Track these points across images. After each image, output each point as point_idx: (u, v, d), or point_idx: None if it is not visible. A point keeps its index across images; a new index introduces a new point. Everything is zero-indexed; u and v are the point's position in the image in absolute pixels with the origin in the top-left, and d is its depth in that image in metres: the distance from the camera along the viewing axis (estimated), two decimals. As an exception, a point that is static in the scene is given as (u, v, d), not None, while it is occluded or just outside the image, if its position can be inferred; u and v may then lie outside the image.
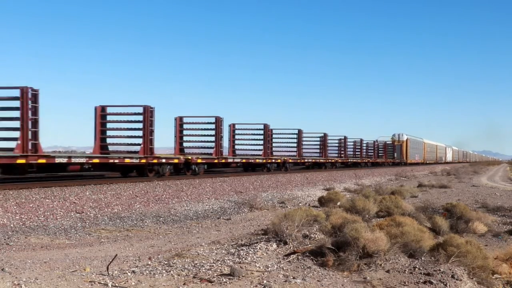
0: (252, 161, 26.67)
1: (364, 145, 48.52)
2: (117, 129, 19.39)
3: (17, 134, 13.80)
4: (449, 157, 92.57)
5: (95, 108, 19.12)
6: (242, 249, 6.46)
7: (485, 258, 5.87)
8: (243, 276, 5.23)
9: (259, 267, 5.67)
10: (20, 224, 9.36)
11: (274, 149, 33.67)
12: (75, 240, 8.52)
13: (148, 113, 18.23)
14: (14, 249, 7.51)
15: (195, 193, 15.15)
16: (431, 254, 6.05)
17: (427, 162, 71.02)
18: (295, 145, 33.61)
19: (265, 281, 5.13)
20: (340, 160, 41.10)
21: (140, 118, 18.45)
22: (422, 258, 5.96)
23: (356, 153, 47.11)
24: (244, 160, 25.93)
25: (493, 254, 6.46)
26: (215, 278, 5.19)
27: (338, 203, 12.13)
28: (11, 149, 13.83)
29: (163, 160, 19.02)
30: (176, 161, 19.79)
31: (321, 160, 36.92)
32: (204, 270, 5.47)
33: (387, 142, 56.95)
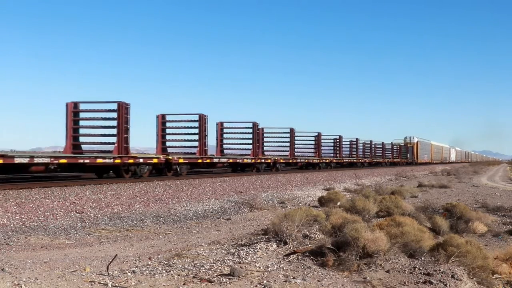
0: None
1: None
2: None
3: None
4: (452, 157, 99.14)
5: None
6: (242, 249, 6.46)
7: (485, 258, 5.87)
8: (243, 276, 5.23)
9: (259, 267, 5.67)
10: (20, 224, 9.36)
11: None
12: (75, 240, 8.52)
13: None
14: (14, 249, 7.51)
15: (195, 193, 15.15)
16: (431, 254, 6.05)
17: (434, 162, 76.33)
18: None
19: (265, 281, 5.13)
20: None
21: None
22: (422, 258, 5.96)
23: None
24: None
25: (493, 254, 6.46)
26: (215, 278, 5.19)
27: (338, 203, 12.14)
28: None
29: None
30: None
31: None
32: (204, 270, 5.47)
33: (401, 144, 62.94)
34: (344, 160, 43.01)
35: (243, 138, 27.97)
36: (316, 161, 36.52)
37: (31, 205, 10.82)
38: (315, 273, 5.52)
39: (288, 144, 32.75)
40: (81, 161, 15.63)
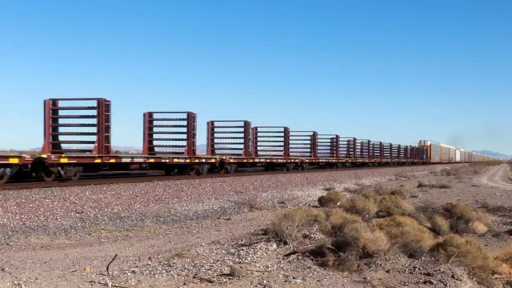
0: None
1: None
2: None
3: None
4: (458, 158, 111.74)
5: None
6: (242, 249, 6.47)
7: (485, 258, 5.87)
8: (243, 276, 5.23)
9: (259, 267, 5.67)
10: (20, 224, 9.36)
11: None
12: (75, 240, 8.52)
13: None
14: (14, 249, 7.51)
15: (195, 193, 15.15)
16: (431, 254, 6.05)
17: (443, 161, 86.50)
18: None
19: (265, 281, 5.13)
20: (350, 160, 42.04)
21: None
22: (422, 258, 5.96)
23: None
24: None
25: (493, 254, 6.46)
26: (215, 278, 5.19)
27: (338, 203, 12.14)
28: None
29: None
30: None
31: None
32: (204, 270, 5.47)
33: (417, 147, 75.23)
34: (358, 161, 44.74)
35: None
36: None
37: (31, 205, 10.82)
38: (315, 273, 5.52)
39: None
40: (164, 160, 17.65)
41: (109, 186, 14.66)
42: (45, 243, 8.11)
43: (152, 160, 18.87)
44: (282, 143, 32.05)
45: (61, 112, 17.85)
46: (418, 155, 72.02)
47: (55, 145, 17.46)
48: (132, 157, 18.30)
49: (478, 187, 22.82)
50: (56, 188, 13.34)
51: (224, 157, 23.61)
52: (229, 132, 27.51)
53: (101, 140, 16.56)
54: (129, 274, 5.33)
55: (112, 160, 16.77)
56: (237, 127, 27.36)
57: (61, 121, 17.86)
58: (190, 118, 21.32)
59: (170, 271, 5.46)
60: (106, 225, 9.98)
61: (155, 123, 22.18)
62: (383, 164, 52.14)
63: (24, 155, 14.23)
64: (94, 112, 16.90)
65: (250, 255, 6.11)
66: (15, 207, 10.47)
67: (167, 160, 19.53)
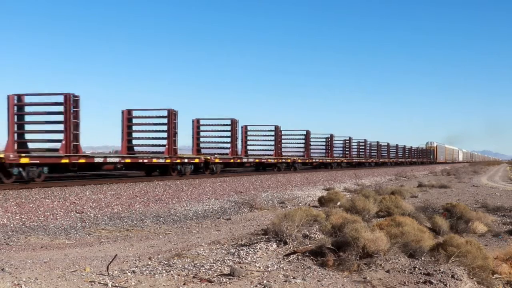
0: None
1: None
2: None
3: None
4: (460, 158, 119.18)
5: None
6: (242, 249, 6.47)
7: (485, 258, 5.87)
8: (243, 276, 5.23)
9: (259, 267, 5.67)
10: (20, 224, 9.36)
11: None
12: (75, 240, 8.52)
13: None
14: (14, 249, 7.51)
15: (195, 193, 15.15)
16: (431, 254, 6.05)
17: (448, 161, 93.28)
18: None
19: (265, 281, 5.13)
20: (363, 160, 42.46)
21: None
22: (422, 258, 5.96)
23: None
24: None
25: (493, 254, 6.46)
26: (215, 278, 5.20)
27: (338, 203, 12.14)
28: None
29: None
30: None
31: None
32: (204, 270, 5.47)
33: (424, 148, 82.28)
34: (354, 160, 44.84)
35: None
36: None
37: (31, 205, 10.82)
38: (315, 273, 5.52)
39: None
40: (141, 160, 16.47)
41: (109, 186, 14.66)
42: (45, 243, 8.11)
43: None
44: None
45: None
46: (426, 156, 79.68)
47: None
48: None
49: (478, 187, 22.82)
50: (56, 188, 13.34)
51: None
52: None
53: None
54: (129, 274, 5.34)
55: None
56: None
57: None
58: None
59: (170, 271, 5.46)
60: (106, 225, 9.98)
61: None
62: (380, 164, 52.65)
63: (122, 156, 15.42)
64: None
65: (250, 255, 6.11)
66: (15, 207, 10.47)
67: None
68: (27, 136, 16.51)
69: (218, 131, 26.12)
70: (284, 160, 30.97)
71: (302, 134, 35.99)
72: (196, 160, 21.21)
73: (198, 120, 25.83)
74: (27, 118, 16.40)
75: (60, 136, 15.51)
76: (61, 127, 15.50)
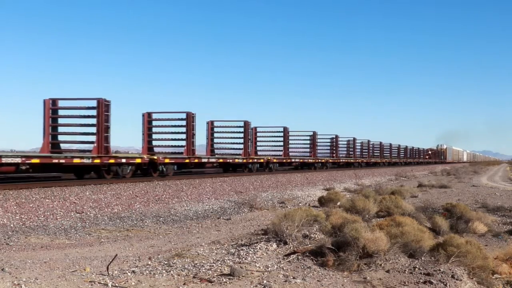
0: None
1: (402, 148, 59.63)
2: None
3: None
4: (464, 158, 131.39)
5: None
6: (242, 249, 6.47)
7: (485, 258, 5.87)
8: (243, 276, 5.23)
9: (259, 267, 5.67)
10: (20, 224, 9.36)
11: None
12: (75, 240, 8.52)
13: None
14: (14, 249, 7.51)
15: (195, 193, 15.15)
16: (431, 254, 6.05)
17: (454, 161, 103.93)
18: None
19: (265, 281, 5.13)
20: (373, 160, 43.00)
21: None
22: (422, 258, 5.96)
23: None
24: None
25: (493, 254, 6.46)
26: (215, 278, 5.20)
27: (338, 203, 12.14)
28: None
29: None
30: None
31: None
32: (204, 270, 5.47)
33: (436, 149, 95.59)
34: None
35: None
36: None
37: (31, 205, 10.82)
38: (315, 273, 5.52)
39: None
40: (56, 161, 14.57)
41: (109, 186, 14.65)
42: (45, 243, 8.11)
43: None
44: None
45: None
46: (438, 156, 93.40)
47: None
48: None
49: (478, 187, 22.81)
50: (56, 188, 13.33)
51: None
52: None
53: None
54: (129, 274, 5.33)
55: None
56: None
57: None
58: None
59: (170, 271, 5.46)
60: (106, 225, 9.98)
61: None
62: (381, 165, 53.49)
63: (144, 156, 18.51)
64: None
65: (250, 255, 6.11)
66: (15, 207, 10.47)
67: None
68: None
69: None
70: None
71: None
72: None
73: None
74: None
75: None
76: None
